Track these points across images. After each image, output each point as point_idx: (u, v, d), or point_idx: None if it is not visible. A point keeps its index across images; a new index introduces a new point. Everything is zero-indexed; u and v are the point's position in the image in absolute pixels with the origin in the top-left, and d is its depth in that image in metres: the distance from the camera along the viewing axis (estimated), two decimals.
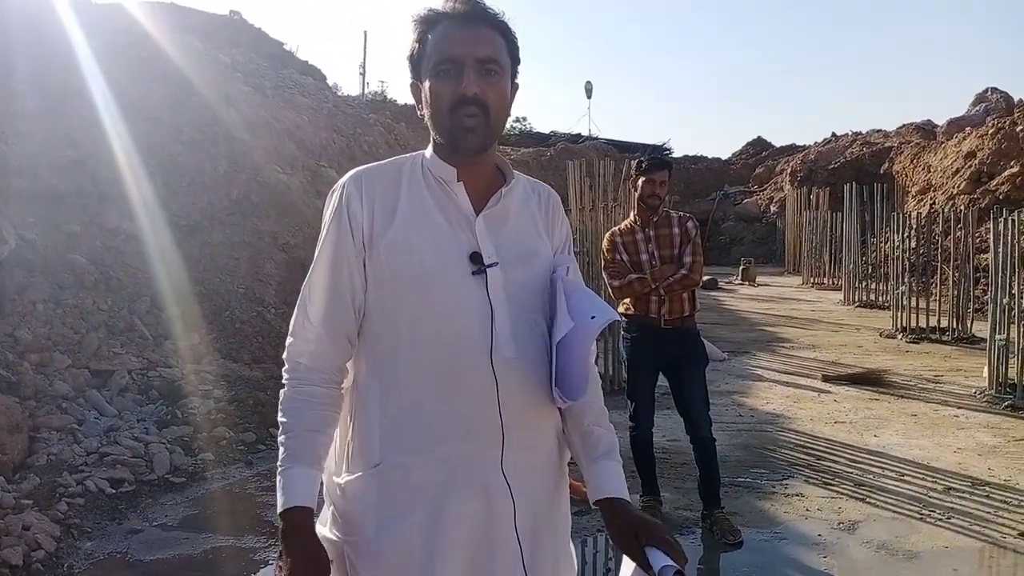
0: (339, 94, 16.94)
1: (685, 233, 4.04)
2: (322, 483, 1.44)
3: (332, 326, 1.41)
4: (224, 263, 8.29)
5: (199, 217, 8.43)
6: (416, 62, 1.43)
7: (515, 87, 1.46)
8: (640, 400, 4.10)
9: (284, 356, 1.45)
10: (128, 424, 5.27)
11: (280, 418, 1.41)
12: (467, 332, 1.36)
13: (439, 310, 1.37)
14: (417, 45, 1.41)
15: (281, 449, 1.39)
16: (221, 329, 7.55)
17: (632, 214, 4.20)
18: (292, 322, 1.45)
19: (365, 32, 37.48)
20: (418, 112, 1.45)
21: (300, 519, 1.34)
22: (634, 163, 4.20)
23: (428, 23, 1.40)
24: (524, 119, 30.26)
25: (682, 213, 4.22)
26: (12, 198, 6.68)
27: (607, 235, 4.27)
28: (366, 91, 22.84)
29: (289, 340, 1.44)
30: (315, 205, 10.03)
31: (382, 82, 44.20)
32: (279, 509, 1.35)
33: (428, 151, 1.47)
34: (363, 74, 27.94)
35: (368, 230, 1.39)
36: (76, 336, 6.09)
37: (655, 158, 4.13)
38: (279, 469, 1.38)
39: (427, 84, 1.39)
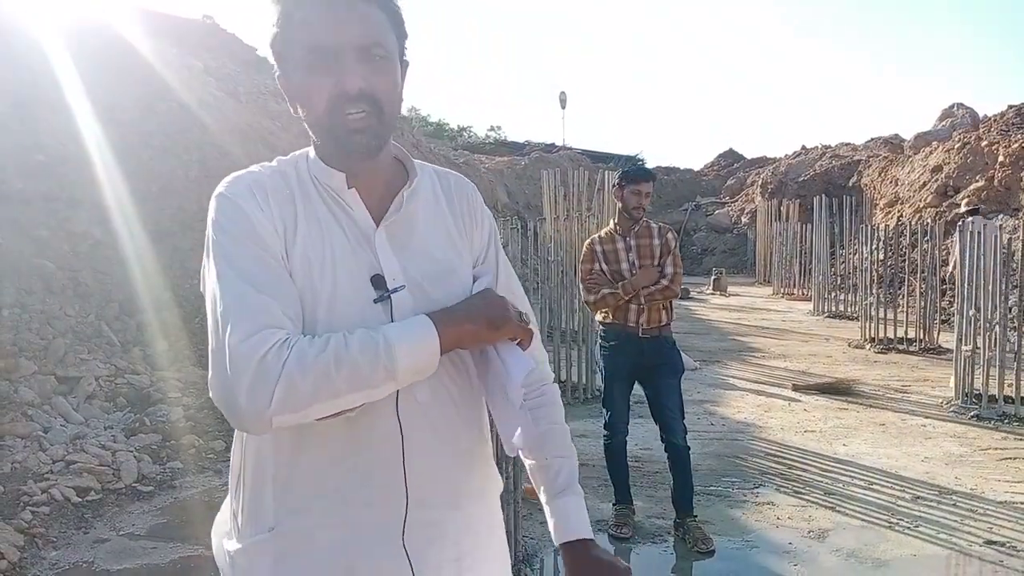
0: None
1: (666, 244, 4.07)
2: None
3: (289, 294, 1.09)
4: (195, 269, 8.18)
5: (170, 223, 8.34)
6: (280, 51, 1.16)
7: (405, 66, 1.21)
8: (616, 409, 4.11)
9: (214, 393, 1.07)
10: (95, 432, 5.18)
11: (318, 374, 1.03)
12: None
13: None
14: (278, 30, 1.15)
15: (362, 348, 1.05)
16: (191, 336, 7.46)
17: (612, 222, 4.22)
18: (211, 354, 1.07)
19: None
20: (292, 111, 1.19)
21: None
22: (618, 173, 4.21)
23: (289, 1, 1.14)
24: (498, 128, 30.38)
25: (662, 224, 4.24)
26: None
27: (586, 243, 4.28)
28: None
29: (234, 343, 1.04)
30: None
31: None
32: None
33: (311, 152, 1.22)
34: None
35: (280, 249, 1.13)
36: (43, 342, 5.99)
37: (640, 169, 4.16)
38: (379, 342, 1.06)
39: (296, 79, 1.15)
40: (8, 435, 4.80)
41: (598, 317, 4.18)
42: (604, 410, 4.19)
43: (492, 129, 31.55)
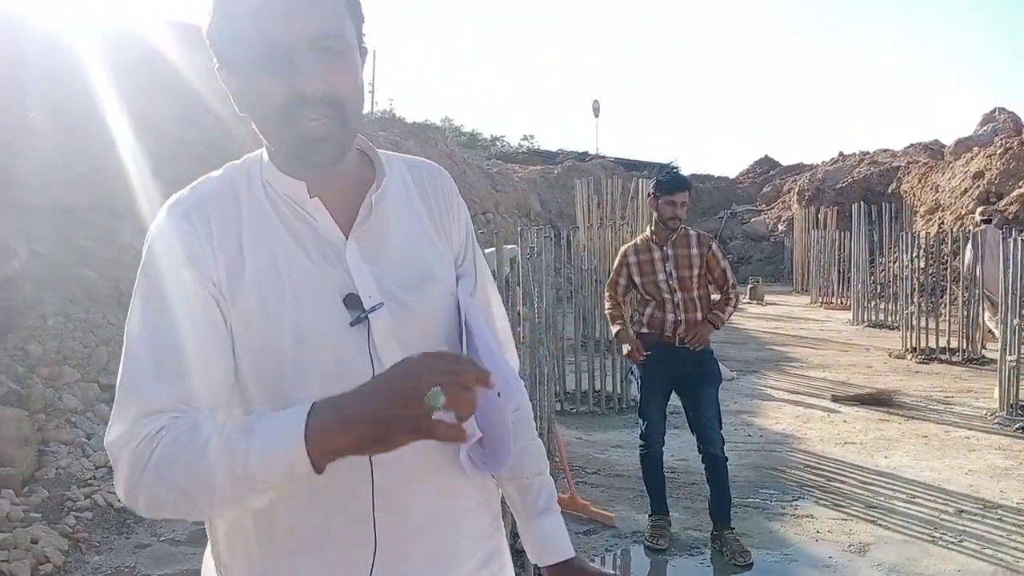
0: None
1: (712, 255, 4.03)
2: None
3: (197, 374, 0.96)
4: None
5: None
6: (218, 43, 1.00)
7: (363, 54, 1.04)
8: (652, 419, 4.08)
9: (111, 452, 0.95)
10: None
11: (171, 483, 0.90)
12: None
13: (312, 390, 0.94)
14: (215, 18, 0.98)
15: (219, 458, 0.88)
16: None
17: (648, 230, 4.18)
18: (112, 419, 0.96)
19: (374, 51, 37.65)
20: (235, 108, 1.03)
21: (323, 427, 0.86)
22: (652, 183, 4.17)
23: None
24: (531, 137, 30.46)
25: (701, 232, 4.19)
26: (24, 213, 6.72)
27: (621, 251, 4.27)
28: (375, 109, 22.97)
29: (112, 435, 0.94)
30: None
31: (391, 100, 44.44)
32: (285, 464, 0.86)
33: (264, 157, 1.06)
34: (372, 92, 28.10)
35: (220, 289, 0.99)
36: (86, 350, 6.11)
37: (675, 178, 4.07)
38: (239, 450, 0.86)
39: (241, 77, 0.99)
40: (53, 441, 4.90)
41: (633, 327, 4.18)
42: (640, 420, 4.16)
43: (525, 138, 31.63)
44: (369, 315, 1.01)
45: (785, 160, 29.05)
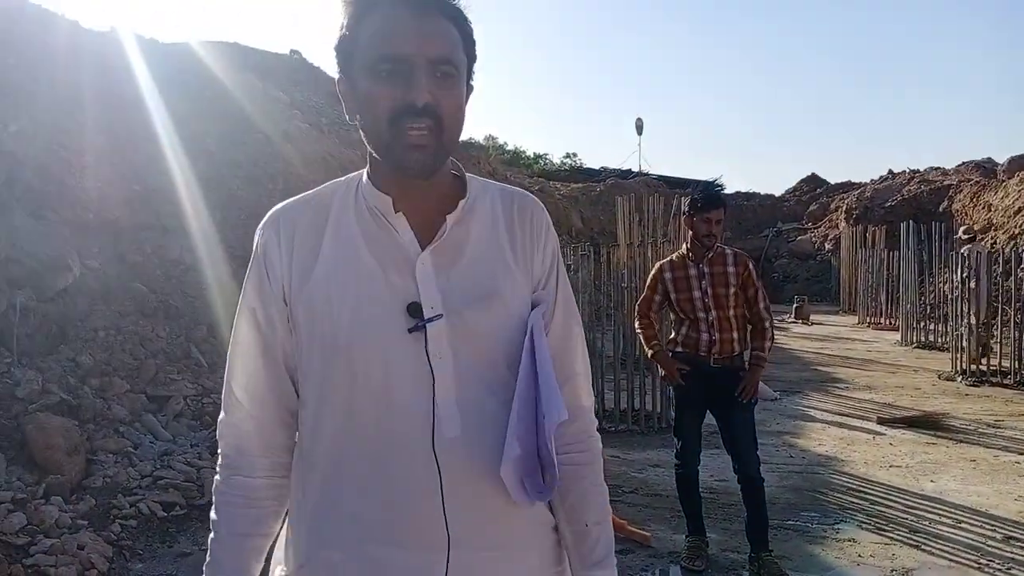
0: None
1: (748, 275, 3.96)
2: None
3: (263, 399, 1.17)
4: None
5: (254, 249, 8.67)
6: (347, 53, 1.13)
7: (470, 90, 1.17)
8: (687, 438, 4.05)
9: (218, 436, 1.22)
10: (182, 449, 5.39)
11: (211, 514, 1.21)
12: (401, 408, 1.10)
13: (362, 381, 1.10)
14: (347, 32, 1.11)
15: (208, 553, 1.19)
16: None
17: (684, 246, 4.14)
18: (222, 397, 1.22)
19: None
20: (347, 117, 1.16)
21: None
22: (687, 200, 4.12)
23: (363, 4, 1.10)
24: (574, 155, 30.50)
25: (738, 251, 4.10)
26: (79, 229, 6.95)
27: (655, 267, 4.23)
28: None
29: (220, 417, 1.21)
30: None
31: None
32: None
33: (365, 172, 1.19)
34: None
35: (288, 283, 1.14)
36: (135, 362, 6.28)
37: (710, 195, 4.00)
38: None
39: (362, 85, 1.10)
40: (101, 451, 5.04)
41: (668, 346, 4.14)
42: (675, 439, 4.14)
43: (568, 156, 31.65)
44: (427, 324, 1.10)
45: (833, 178, 28.63)
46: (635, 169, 27.73)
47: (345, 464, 1.12)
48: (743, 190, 28.72)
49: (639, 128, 29.75)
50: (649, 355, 4.19)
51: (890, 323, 15.56)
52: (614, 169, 27.60)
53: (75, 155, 7.37)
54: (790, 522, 4.67)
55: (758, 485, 3.90)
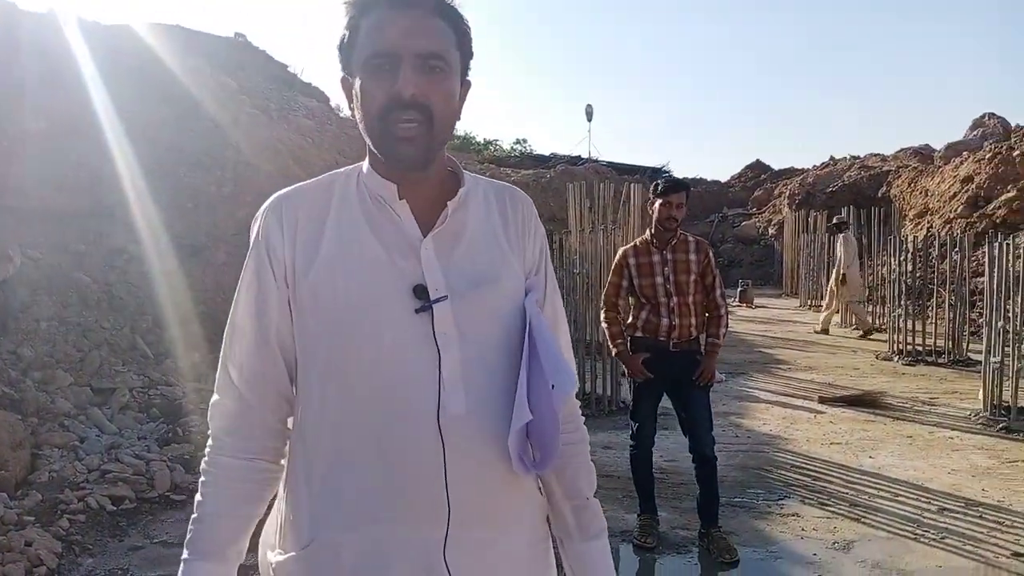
0: (341, 115, 17.14)
1: (708, 262, 4.08)
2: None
3: (256, 383, 1.20)
4: (228, 283, 8.37)
5: (204, 238, 8.52)
6: (346, 53, 1.20)
7: (466, 86, 1.23)
8: (643, 421, 4.15)
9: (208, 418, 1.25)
10: (129, 442, 5.32)
11: (197, 495, 1.23)
12: (407, 385, 1.13)
13: (372, 361, 1.13)
14: (347, 33, 1.18)
15: (188, 531, 1.21)
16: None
17: (648, 233, 4.21)
18: (216, 377, 1.24)
19: None
20: (350, 113, 1.23)
21: None
22: (652, 185, 4.20)
23: (360, 7, 1.17)
24: (524, 141, 30.52)
25: (699, 238, 4.23)
26: (19, 218, 6.77)
27: (620, 253, 4.28)
28: None
29: (212, 399, 1.24)
30: None
31: None
32: None
33: (365, 163, 1.24)
34: None
35: (291, 267, 1.18)
36: (79, 354, 6.16)
37: (671, 181, 4.14)
38: (182, 555, 1.20)
39: (357, 81, 1.17)
40: (46, 445, 4.94)
41: (627, 330, 4.20)
42: (632, 421, 4.23)
43: (518, 142, 31.73)
44: (433, 305, 1.15)
45: (776, 164, 29.17)
46: (585, 156, 27.88)
47: (351, 445, 1.15)
48: (690, 176, 29.08)
49: (589, 115, 29.89)
50: (614, 353, 4.24)
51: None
52: (564, 155, 27.70)
53: (14, 141, 7.15)
54: (737, 499, 4.82)
55: (712, 464, 4.02)
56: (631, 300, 4.23)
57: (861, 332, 12.53)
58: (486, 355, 1.17)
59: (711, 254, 4.15)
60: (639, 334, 4.11)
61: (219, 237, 8.81)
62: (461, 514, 1.14)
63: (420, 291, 1.15)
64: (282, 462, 1.24)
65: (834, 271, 12.93)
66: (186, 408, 6.03)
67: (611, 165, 25.98)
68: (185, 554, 1.20)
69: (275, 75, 17.40)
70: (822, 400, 7.54)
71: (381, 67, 1.13)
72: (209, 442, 1.24)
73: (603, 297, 4.31)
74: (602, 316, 4.25)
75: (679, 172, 30.46)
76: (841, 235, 12.76)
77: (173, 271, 7.88)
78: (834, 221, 13.94)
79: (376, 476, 1.13)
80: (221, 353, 1.24)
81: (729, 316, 4.22)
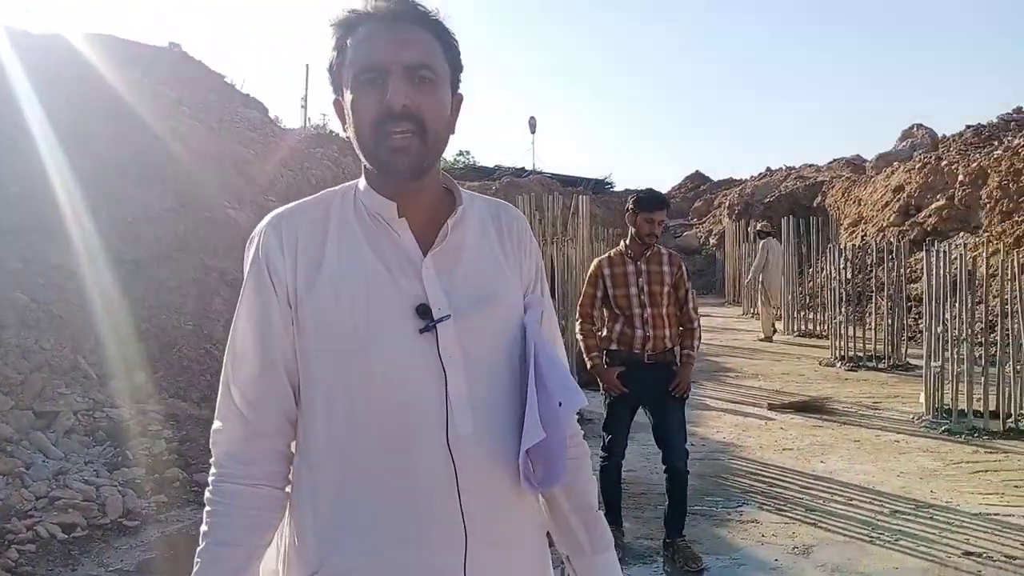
0: (281, 127, 16.89)
1: (681, 276, 4.14)
2: None
3: (261, 407, 1.18)
4: (171, 300, 8.15)
5: (145, 253, 8.29)
6: (336, 74, 1.20)
7: (458, 99, 1.23)
8: (617, 434, 4.16)
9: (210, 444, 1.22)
10: (76, 467, 5.12)
11: (202, 526, 1.19)
12: (415, 406, 1.13)
13: (378, 382, 1.12)
14: (335, 54, 1.19)
15: (194, 564, 1.18)
16: (168, 367, 7.41)
17: (623, 244, 4.23)
18: (217, 402, 1.22)
19: (307, 65, 37.18)
20: (344, 132, 1.22)
21: None
22: (631, 199, 4.21)
23: (346, 27, 1.17)
24: (467, 152, 30.48)
25: (671, 251, 4.28)
26: None
27: (595, 264, 4.28)
28: (308, 124, 22.72)
29: (214, 425, 1.21)
30: None
31: (324, 115, 43.83)
32: None
33: (361, 181, 1.23)
34: (304, 107, 27.58)
35: (292, 286, 1.16)
36: (19, 376, 5.91)
37: (654, 197, 4.17)
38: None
39: (348, 98, 1.17)
40: None
41: (602, 343, 4.19)
42: (604, 433, 4.23)
43: (461, 153, 31.64)
44: (437, 324, 1.14)
45: (716, 175, 29.81)
46: (529, 167, 28.02)
47: (360, 466, 1.13)
48: (632, 187, 29.47)
49: (532, 126, 30.09)
50: (589, 367, 4.22)
51: (775, 313, 16.32)
52: (508, 167, 27.79)
53: None
54: (697, 507, 4.88)
55: (684, 477, 4.06)
56: (604, 312, 4.24)
57: (763, 336, 12.94)
58: (489, 373, 1.17)
59: (683, 266, 4.21)
60: (614, 347, 4.12)
61: (161, 253, 8.58)
62: (477, 535, 1.13)
63: (423, 310, 1.15)
64: (287, 488, 1.21)
65: (748, 277, 13.84)
66: (133, 430, 5.84)
67: (555, 176, 26.18)
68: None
69: (212, 86, 17.05)
70: (771, 407, 7.70)
71: (371, 81, 1.14)
72: (212, 469, 1.20)
73: (578, 308, 4.31)
74: (577, 328, 4.25)
75: (621, 183, 30.86)
76: (762, 241, 13.36)
77: (114, 288, 7.64)
78: (758, 228, 14.43)
79: (388, 498, 1.12)
80: (222, 377, 1.21)
81: (702, 329, 4.28)
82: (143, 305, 7.81)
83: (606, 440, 4.20)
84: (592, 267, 4.30)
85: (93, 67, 9.72)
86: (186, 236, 8.99)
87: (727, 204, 24.39)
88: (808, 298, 14.73)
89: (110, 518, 4.52)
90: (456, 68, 1.22)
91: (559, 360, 1.22)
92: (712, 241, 24.83)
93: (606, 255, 4.30)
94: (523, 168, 27.79)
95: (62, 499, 4.54)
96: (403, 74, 1.13)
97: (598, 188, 27.42)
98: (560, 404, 1.16)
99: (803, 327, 13.88)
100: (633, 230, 4.14)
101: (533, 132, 30.22)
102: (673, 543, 4.06)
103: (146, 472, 5.16)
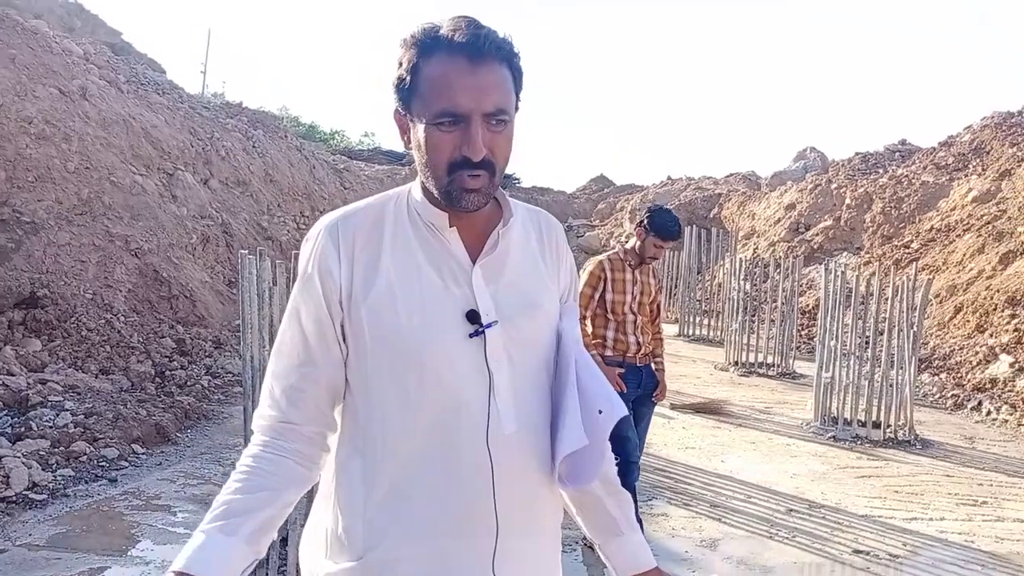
0: (189, 92, 16.22)
1: (658, 287, 4.34)
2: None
3: (298, 400, 1.24)
4: (71, 266, 7.78)
5: (45, 215, 7.87)
6: (404, 94, 1.20)
7: (517, 108, 1.26)
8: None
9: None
10: None
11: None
12: (462, 406, 1.20)
13: (430, 381, 1.19)
14: (407, 76, 1.18)
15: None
16: (65, 336, 7.08)
17: (621, 249, 4.28)
18: (262, 390, 1.30)
19: (209, 30, 35.68)
20: (403, 142, 1.26)
21: None
22: (648, 216, 4.18)
23: (422, 49, 1.17)
24: (372, 134, 30.06)
25: (654, 265, 4.38)
26: None
27: (597, 261, 4.25)
28: (206, 91, 21.88)
29: (257, 410, 1.29)
30: (170, 209, 9.58)
31: (223, 82, 42.24)
32: (171, 567, 1.15)
33: (416, 191, 1.27)
34: (204, 73, 26.38)
35: (347, 290, 1.21)
36: None
37: (673, 231, 4.15)
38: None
39: (420, 129, 1.18)
40: None
41: (597, 350, 4.18)
42: None
43: (367, 135, 31.20)
44: (486, 330, 1.21)
45: (619, 180, 30.51)
46: None
47: (413, 463, 1.20)
48: (538, 186, 29.84)
49: None
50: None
51: (670, 317, 16.96)
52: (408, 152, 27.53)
53: None
54: None
55: (637, 473, 4.20)
56: (594, 315, 4.22)
57: None
58: (530, 376, 1.26)
59: (658, 280, 4.41)
60: (609, 353, 4.14)
61: (62, 215, 8.17)
62: (507, 526, 1.22)
63: (472, 316, 1.21)
64: (313, 470, 1.27)
65: None
66: (33, 400, 5.58)
67: None
68: (202, 525, 1.19)
69: (109, 42, 16.23)
70: (674, 407, 8.04)
71: (451, 124, 1.16)
72: (250, 442, 1.28)
73: (585, 308, 4.23)
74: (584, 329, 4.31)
75: (527, 180, 31.11)
76: None
77: (12, 250, 7.24)
78: None
79: (436, 493, 1.20)
80: (268, 369, 1.29)
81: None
82: (40, 269, 7.43)
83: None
84: (592, 267, 4.24)
85: None
86: (89, 200, 8.59)
87: (629, 208, 25.05)
88: (702, 304, 15.37)
89: (15, 491, 4.32)
90: (520, 88, 1.24)
91: (596, 369, 1.29)
92: (613, 243, 25.45)
93: (606, 257, 4.27)
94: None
95: None
96: (483, 121, 1.16)
97: (504, 183, 27.55)
98: (600, 412, 1.24)
99: (698, 332, 14.48)
100: (638, 244, 4.18)
101: None
102: None
103: (50, 444, 4.94)
